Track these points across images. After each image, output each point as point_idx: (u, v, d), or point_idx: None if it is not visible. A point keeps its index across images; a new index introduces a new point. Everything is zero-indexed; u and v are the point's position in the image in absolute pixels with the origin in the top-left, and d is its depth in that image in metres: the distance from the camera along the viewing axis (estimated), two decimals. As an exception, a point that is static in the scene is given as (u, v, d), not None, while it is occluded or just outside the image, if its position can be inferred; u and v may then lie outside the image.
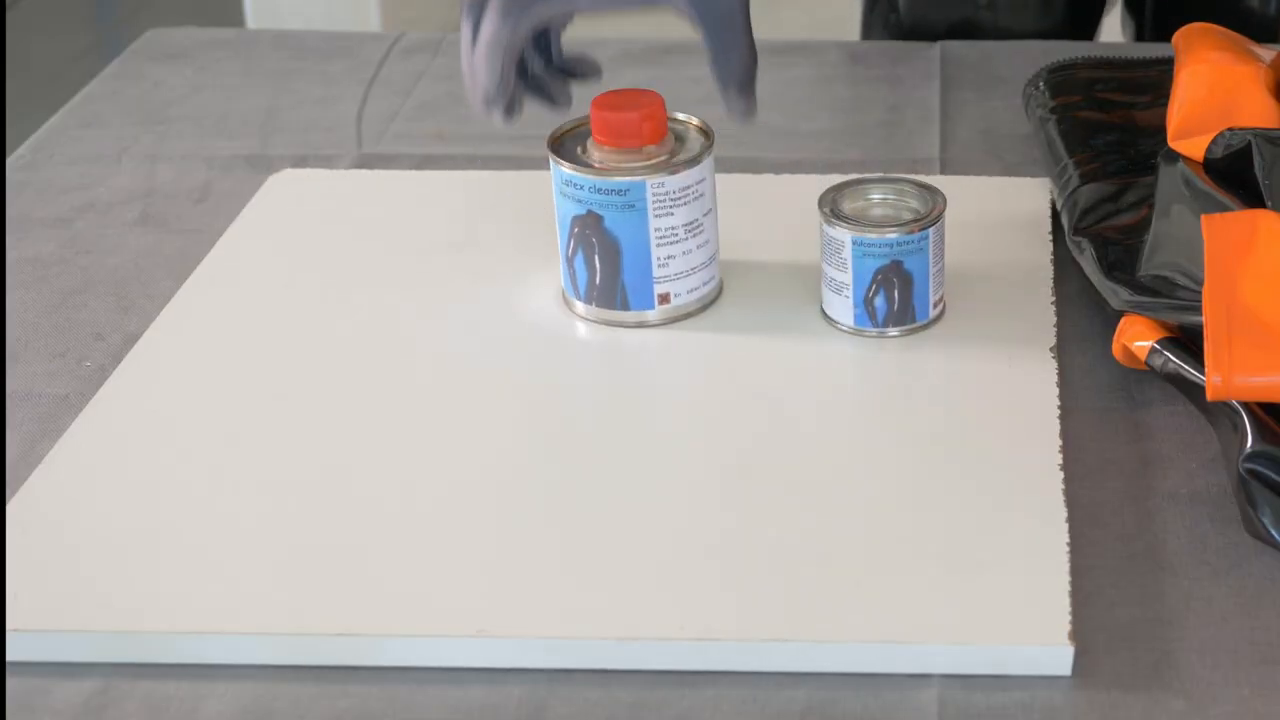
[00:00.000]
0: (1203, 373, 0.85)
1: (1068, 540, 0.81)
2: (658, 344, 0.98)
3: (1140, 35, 1.47)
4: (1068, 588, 0.78)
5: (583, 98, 1.01)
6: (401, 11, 3.20)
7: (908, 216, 0.96)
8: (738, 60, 0.94)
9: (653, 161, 0.96)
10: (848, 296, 0.96)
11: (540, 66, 0.99)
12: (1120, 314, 0.92)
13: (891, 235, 0.94)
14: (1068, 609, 0.77)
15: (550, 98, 1.00)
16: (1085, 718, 0.74)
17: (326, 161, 1.21)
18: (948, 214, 0.96)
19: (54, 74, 3.27)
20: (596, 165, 0.96)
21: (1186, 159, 0.98)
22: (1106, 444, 0.89)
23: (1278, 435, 0.82)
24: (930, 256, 0.95)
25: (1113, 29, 1.52)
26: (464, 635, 0.77)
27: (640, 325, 0.99)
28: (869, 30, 1.47)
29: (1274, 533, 0.81)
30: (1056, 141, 1.08)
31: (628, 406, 0.94)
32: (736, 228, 1.04)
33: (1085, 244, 0.97)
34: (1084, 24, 1.45)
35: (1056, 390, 0.91)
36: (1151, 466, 0.88)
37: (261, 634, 0.78)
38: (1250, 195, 0.94)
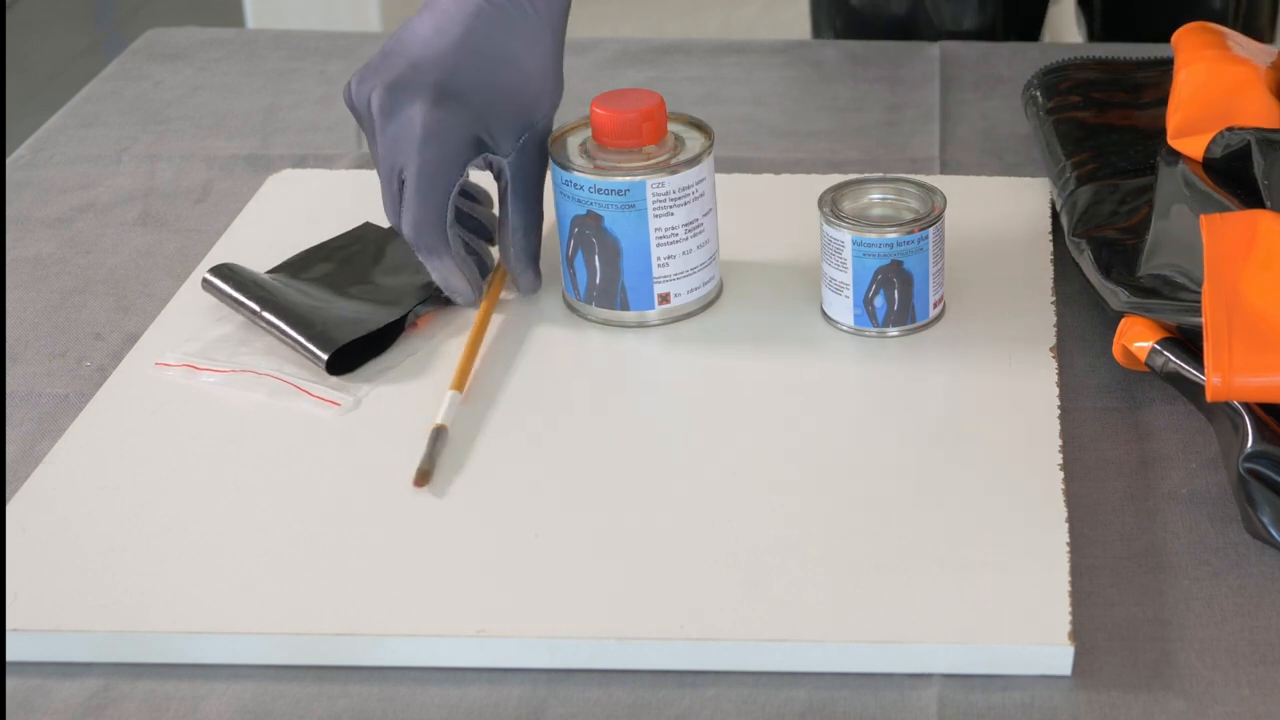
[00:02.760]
0: (1203, 373, 0.85)
1: (1068, 540, 0.81)
2: (658, 344, 0.98)
3: (1092, 35, 1.48)
4: (1068, 588, 0.78)
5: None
6: (401, 11, 3.19)
7: (908, 216, 0.96)
8: (537, 236, 1.00)
9: (653, 161, 0.96)
10: (848, 296, 0.96)
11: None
12: (1120, 314, 0.92)
13: (891, 235, 0.94)
14: (1068, 609, 0.77)
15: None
16: (1085, 718, 0.74)
17: (326, 161, 1.21)
18: (948, 214, 0.96)
19: (54, 74, 3.27)
20: (596, 165, 0.96)
21: (1186, 159, 0.98)
22: (1106, 444, 0.89)
23: (1278, 435, 0.82)
24: (930, 256, 0.95)
25: (1062, 29, 1.53)
26: (464, 635, 0.77)
27: (640, 325, 0.99)
28: (818, 29, 1.48)
29: (1274, 533, 0.81)
30: (1055, 142, 1.08)
31: (628, 406, 0.94)
32: (736, 228, 1.04)
33: (1085, 245, 0.97)
34: (1026, 21, 1.46)
35: (1056, 390, 0.91)
36: (1151, 466, 0.88)
37: (261, 634, 0.78)
38: (1250, 195, 0.94)
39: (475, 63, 0.95)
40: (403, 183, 0.95)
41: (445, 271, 0.97)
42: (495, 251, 1.03)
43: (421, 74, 0.94)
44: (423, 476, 0.86)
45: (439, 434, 0.89)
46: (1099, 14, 1.45)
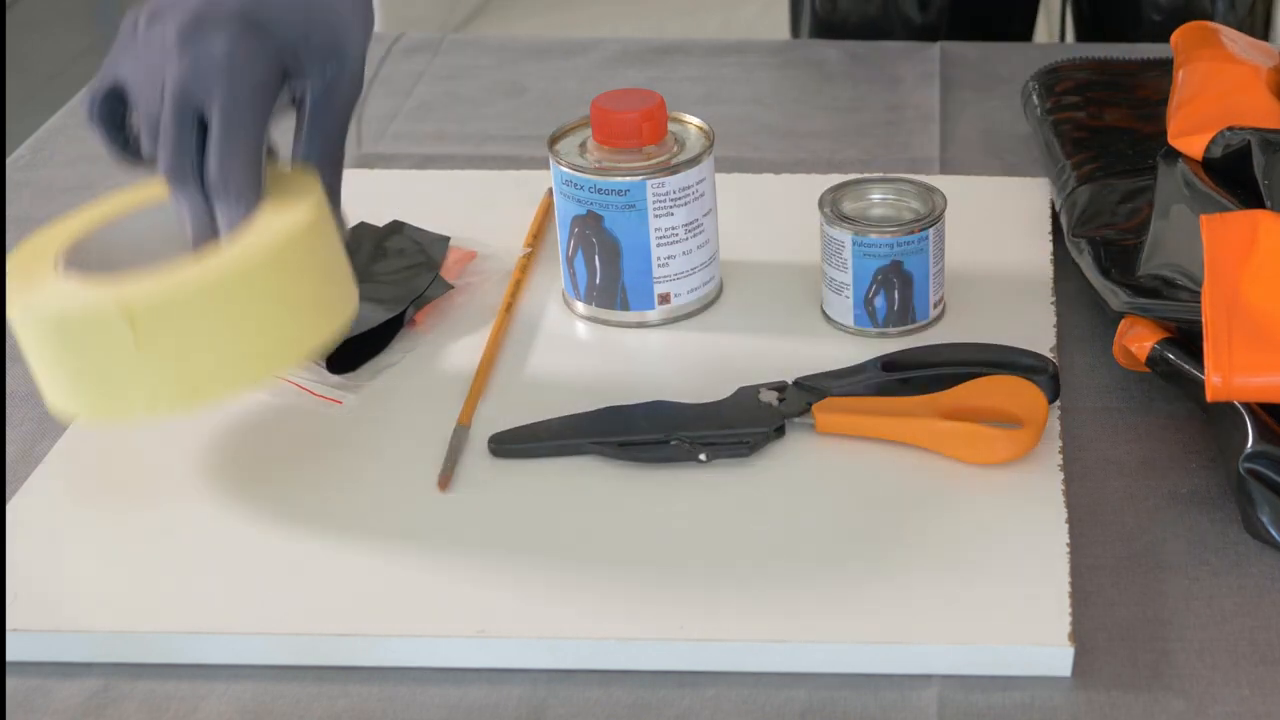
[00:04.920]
0: (1203, 373, 0.85)
1: (1068, 540, 0.81)
2: (658, 344, 0.98)
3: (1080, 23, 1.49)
4: (1068, 588, 0.78)
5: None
6: (401, 11, 3.20)
7: (908, 216, 0.96)
8: (336, 173, 0.90)
9: (653, 161, 0.96)
10: (848, 296, 0.96)
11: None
12: (1120, 314, 0.92)
13: (891, 235, 0.94)
14: (1068, 609, 0.77)
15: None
16: (1085, 718, 0.74)
17: (326, 161, 1.21)
18: (948, 214, 0.96)
19: (54, 74, 3.28)
20: (596, 165, 0.96)
21: (1186, 159, 0.98)
22: (1106, 444, 0.89)
23: (1278, 435, 0.82)
24: (930, 256, 0.95)
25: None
26: (464, 635, 0.77)
27: (640, 325, 0.99)
28: (796, 28, 1.50)
29: (1274, 533, 0.81)
30: (1054, 143, 1.08)
31: (628, 406, 0.94)
32: (736, 228, 1.04)
33: (1084, 245, 0.97)
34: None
35: (1056, 390, 0.92)
36: (1151, 466, 0.88)
37: (261, 634, 0.78)
38: (1250, 195, 0.93)
39: None
40: (203, 123, 0.84)
41: (237, 218, 0.84)
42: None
43: (224, 4, 0.85)
44: (444, 479, 0.86)
45: (459, 433, 0.89)
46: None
